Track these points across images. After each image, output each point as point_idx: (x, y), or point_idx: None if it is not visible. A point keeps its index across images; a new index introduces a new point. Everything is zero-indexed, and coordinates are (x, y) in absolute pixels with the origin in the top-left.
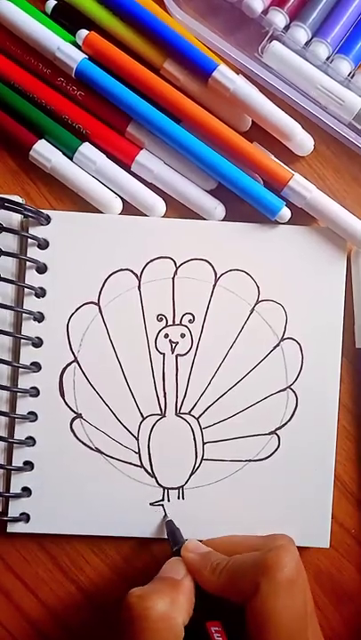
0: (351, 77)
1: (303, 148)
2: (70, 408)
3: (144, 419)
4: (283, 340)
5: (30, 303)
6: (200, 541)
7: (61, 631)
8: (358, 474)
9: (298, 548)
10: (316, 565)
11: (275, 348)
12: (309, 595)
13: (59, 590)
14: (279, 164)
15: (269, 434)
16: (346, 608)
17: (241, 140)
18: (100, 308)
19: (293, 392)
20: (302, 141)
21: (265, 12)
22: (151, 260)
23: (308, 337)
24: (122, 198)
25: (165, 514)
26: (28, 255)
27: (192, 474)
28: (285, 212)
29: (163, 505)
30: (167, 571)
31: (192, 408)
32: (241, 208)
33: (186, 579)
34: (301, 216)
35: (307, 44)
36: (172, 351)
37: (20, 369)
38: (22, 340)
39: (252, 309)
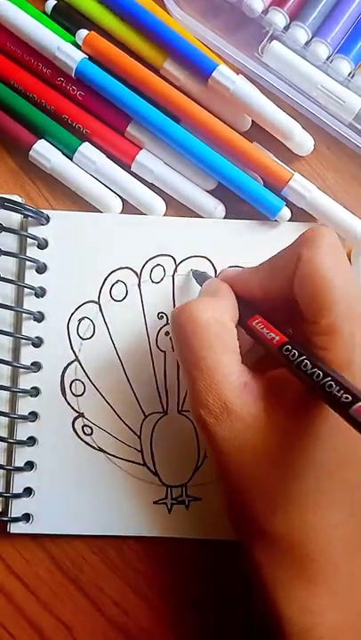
0: (351, 77)
1: (303, 147)
2: (72, 407)
3: (146, 417)
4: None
5: (30, 303)
6: None
7: (61, 631)
8: None
9: None
10: None
11: None
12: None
13: (59, 590)
14: (279, 164)
15: None
16: None
17: (241, 139)
18: (100, 307)
19: None
20: (302, 141)
21: (265, 11)
22: (151, 258)
23: None
24: (122, 198)
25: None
26: (27, 255)
27: (195, 471)
28: (285, 212)
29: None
30: (204, 291)
31: None
32: (241, 208)
33: (223, 286)
34: (301, 215)
35: (307, 43)
36: (173, 349)
37: (21, 369)
38: (22, 340)
39: None
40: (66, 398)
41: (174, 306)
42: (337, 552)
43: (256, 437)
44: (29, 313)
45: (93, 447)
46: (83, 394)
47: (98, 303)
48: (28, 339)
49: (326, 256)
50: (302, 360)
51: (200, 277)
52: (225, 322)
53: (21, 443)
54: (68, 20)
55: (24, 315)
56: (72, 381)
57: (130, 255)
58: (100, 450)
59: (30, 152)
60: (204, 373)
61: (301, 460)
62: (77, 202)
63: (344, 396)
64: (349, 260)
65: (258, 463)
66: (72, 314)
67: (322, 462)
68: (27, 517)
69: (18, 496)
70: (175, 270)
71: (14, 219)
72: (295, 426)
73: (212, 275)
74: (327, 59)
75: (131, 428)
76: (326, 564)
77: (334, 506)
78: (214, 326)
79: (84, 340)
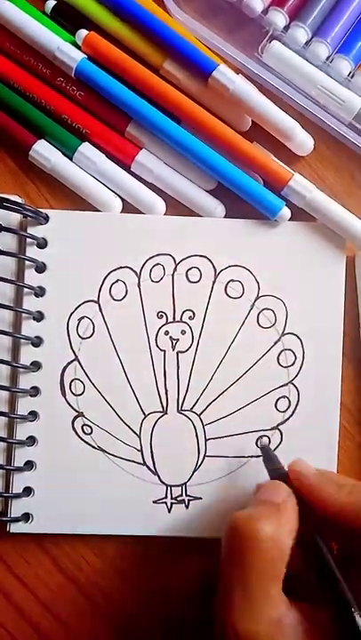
0: (351, 77)
1: (303, 147)
2: (71, 407)
3: (146, 416)
4: (283, 335)
5: (29, 302)
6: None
7: (61, 632)
8: (359, 474)
9: None
10: None
11: (276, 343)
12: None
13: (59, 590)
14: (279, 164)
15: (272, 429)
16: None
17: (241, 140)
18: (99, 306)
19: (295, 387)
20: (302, 141)
21: (265, 11)
22: (150, 257)
23: (308, 331)
24: (122, 198)
25: (262, 443)
26: (26, 254)
27: (195, 471)
28: (285, 212)
29: (266, 439)
30: (267, 493)
31: (194, 405)
32: (241, 208)
33: (289, 500)
34: (301, 215)
35: (307, 43)
36: (173, 348)
37: (20, 369)
38: (22, 340)
39: (253, 305)
40: (65, 398)
41: (174, 305)
42: None
43: None
44: (29, 312)
45: (93, 446)
46: (82, 393)
47: (97, 302)
48: (27, 338)
49: None
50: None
51: (267, 458)
52: (285, 549)
53: (21, 442)
54: (67, 20)
55: (23, 314)
56: (72, 381)
57: (129, 254)
58: (100, 449)
59: (30, 152)
60: (245, 598)
61: None
62: (77, 202)
63: None
64: (349, 257)
65: None
66: (71, 313)
67: None
68: (26, 517)
69: (18, 496)
70: (175, 269)
71: (13, 218)
72: None
73: (279, 461)
74: (327, 59)
75: (130, 428)
76: None
77: None
78: (273, 552)
79: (83, 339)
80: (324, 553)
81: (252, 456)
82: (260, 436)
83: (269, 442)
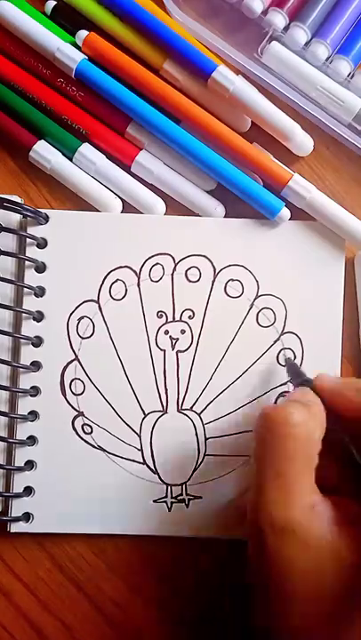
0: (351, 78)
1: (303, 148)
2: (72, 406)
3: (146, 415)
4: (283, 334)
5: (29, 302)
6: None
7: (61, 631)
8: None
9: None
10: None
11: (275, 342)
12: None
13: (59, 590)
14: (279, 165)
15: None
16: None
17: (241, 140)
18: (99, 306)
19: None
20: (302, 142)
21: (264, 12)
22: (150, 257)
23: (308, 331)
24: (122, 199)
25: (286, 357)
26: (26, 255)
27: (195, 470)
28: (285, 213)
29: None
30: (295, 396)
31: (194, 404)
32: (241, 208)
33: (316, 401)
34: (301, 214)
35: (306, 44)
36: (173, 347)
37: (21, 369)
38: (22, 340)
39: (252, 304)
40: (66, 397)
41: (173, 305)
42: None
43: (310, 562)
44: (29, 313)
45: (93, 446)
46: (82, 393)
47: (97, 302)
48: (27, 338)
49: None
50: None
51: (293, 372)
52: (315, 439)
53: (21, 442)
54: (67, 20)
55: (23, 314)
56: (72, 380)
57: (129, 254)
58: (100, 448)
59: (30, 153)
60: (279, 487)
61: (351, 604)
62: (77, 203)
63: None
64: (347, 256)
65: (306, 586)
66: (71, 313)
67: None
68: (27, 517)
69: (18, 495)
70: (174, 269)
71: (13, 219)
72: (354, 564)
73: (306, 373)
74: (327, 59)
75: (130, 427)
76: None
77: None
78: (304, 439)
79: (83, 339)
80: (350, 447)
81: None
82: (282, 349)
83: (295, 356)
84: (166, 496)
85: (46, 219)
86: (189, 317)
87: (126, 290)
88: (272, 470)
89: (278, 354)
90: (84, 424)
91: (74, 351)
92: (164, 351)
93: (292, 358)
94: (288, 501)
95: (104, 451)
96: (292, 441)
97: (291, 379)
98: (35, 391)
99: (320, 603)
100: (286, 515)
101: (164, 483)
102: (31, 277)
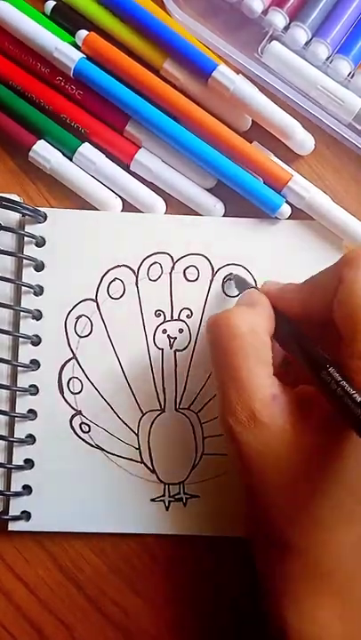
0: (351, 77)
1: (304, 146)
2: (70, 405)
3: (144, 414)
4: None
5: (28, 301)
6: None
7: (61, 631)
8: None
9: None
10: None
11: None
12: None
13: (59, 590)
14: (278, 165)
15: None
16: None
17: (240, 141)
18: (97, 305)
19: None
20: (303, 140)
21: (265, 12)
22: (148, 256)
23: None
24: (122, 198)
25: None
26: (25, 253)
27: (193, 469)
28: (285, 209)
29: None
30: (241, 300)
31: (191, 403)
32: (240, 206)
33: (261, 299)
34: (301, 214)
35: (306, 44)
36: (171, 346)
37: (19, 367)
38: (20, 339)
39: None
40: (63, 396)
41: (171, 304)
42: (352, 567)
43: (281, 449)
44: (27, 311)
45: (91, 445)
46: (80, 391)
47: (95, 301)
48: (26, 337)
49: None
50: (335, 384)
51: (240, 284)
52: (261, 333)
53: (20, 441)
54: (67, 20)
55: (22, 313)
56: (70, 379)
57: (127, 253)
58: (98, 447)
59: (30, 153)
60: (236, 382)
61: (325, 478)
62: (77, 202)
63: None
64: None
65: (281, 474)
66: (70, 311)
67: (345, 482)
68: (26, 515)
69: (17, 494)
70: (172, 268)
71: (12, 217)
72: (322, 443)
73: (252, 282)
74: (327, 59)
75: (128, 426)
76: (340, 578)
77: (354, 524)
78: (250, 336)
79: (81, 337)
80: (300, 339)
81: None
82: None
83: None
84: (164, 495)
85: (45, 217)
86: (187, 316)
87: (124, 289)
88: (227, 371)
89: (225, 279)
90: (82, 423)
91: (72, 350)
92: (162, 350)
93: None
94: (248, 395)
95: (102, 449)
96: (239, 339)
97: (239, 290)
98: (34, 389)
99: (285, 482)
100: (248, 407)
101: (162, 481)
102: (30, 276)
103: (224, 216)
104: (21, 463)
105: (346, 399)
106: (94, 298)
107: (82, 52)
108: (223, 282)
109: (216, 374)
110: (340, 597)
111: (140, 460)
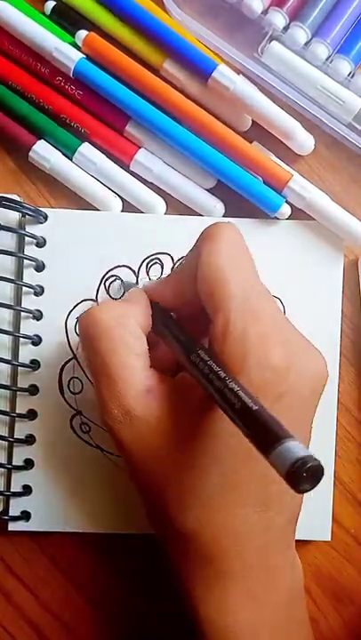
0: (351, 77)
1: (304, 146)
2: (70, 405)
3: None
4: None
5: (29, 301)
6: None
7: (61, 632)
8: (358, 475)
9: (299, 541)
10: (316, 565)
11: None
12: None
13: (59, 590)
14: (278, 165)
15: None
16: (346, 609)
17: (240, 141)
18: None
19: None
20: (303, 140)
21: (264, 12)
22: (148, 256)
23: (306, 330)
24: (122, 198)
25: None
26: (25, 253)
27: None
28: (285, 209)
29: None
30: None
31: None
32: (240, 206)
33: (136, 293)
34: (300, 215)
35: (306, 44)
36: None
37: (19, 367)
38: (21, 339)
39: None
40: (64, 396)
41: None
42: (251, 549)
43: (161, 439)
44: (28, 311)
45: (91, 445)
46: (80, 391)
47: (96, 301)
48: (26, 337)
49: (223, 251)
50: (202, 365)
51: (127, 288)
52: (129, 324)
53: (20, 441)
54: (67, 20)
55: (23, 313)
56: (70, 379)
57: (128, 253)
58: (98, 447)
59: (30, 153)
60: (108, 380)
61: (204, 459)
62: (78, 202)
63: (235, 402)
64: (347, 256)
65: (163, 465)
66: (70, 312)
67: (224, 459)
68: (25, 515)
69: (17, 494)
70: (172, 268)
71: (12, 217)
72: (197, 426)
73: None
74: (327, 59)
75: None
76: (241, 561)
77: (243, 501)
78: (117, 329)
79: None
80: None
81: None
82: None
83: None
84: None
85: (45, 217)
86: None
87: (125, 289)
88: (97, 369)
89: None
90: (82, 423)
91: (72, 350)
92: None
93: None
94: (120, 392)
95: (102, 449)
96: (105, 334)
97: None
98: (34, 390)
99: (168, 471)
100: (122, 404)
101: None
102: (30, 276)
103: (224, 216)
104: (21, 463)
105: (212, 376)
106: (95, 298)
107: (82, 52)
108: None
109: (89, 372)
110: (242, 582)
111: None
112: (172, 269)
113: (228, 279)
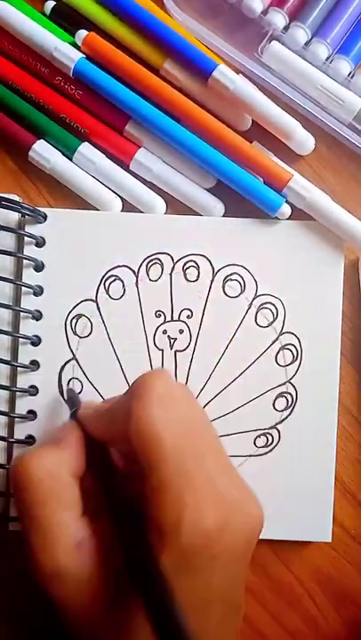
0: (351, 77)
1: (304, 146)
2: (70, 406)
3: None
4: (281, 333)
5: (28, 301)
6: None
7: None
8: (358, 475)
9: (300, 543)
10: (317, 566)
11: (273, 342)
12: (197, 409)
13: None
14: (278, 165)
15: (270, 428)
16: (346, 610)
17: (241, 141)
18: (97, 305)
19: (293, 386)
20: (303, 140)
21: (264, 12)
22: (148, 256)
23: (306, 330)
24: (122, 198)
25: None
26: (25, 253)
27: None
28: (286, 209)
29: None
30: (56, 433)
31: None
32: (240, 206)
33: (71, 434)
34: (300, 215)
35: (306, 44)
36: (171, 347)
37: (19, 368)
38: (20, 339)
39: (251, 303)
40: (63, 397)
41: (172, 304)
42: None
43: (92, 598)
44: (27, 311)
45: None
46: (80, 392)
47: (95, 301)
48: (26, 337)
49: (154, 409)
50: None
51: (70, 401)
52: (60, 476)
53: (20, 441)
54: (67, 20)
55: (22, 313)
56: (70, 380)
57: (127, 253)
58: None
59: (30, 153)
60: (37, 534)
61: (135, 622)
62: (77, 202)
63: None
64: (347, 256)
65: (95, 628)
66: (70, 312)
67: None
68: None
69: None
70: (173, 268)
71: (12, 217)
72: (128, 583)
73: (80, 399)
74: (327, 59)
75: None
76: None
77: None
78: (48, 482)
79: (81, 338)
80: (106, 476)
81: (250, 455)
82: (71, 381)
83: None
84: None
85: (45, 217)
86: (188, 317)
87: (124, 289)
88: (27, 522)
89: (67, 384)
90: None
91: (72, 350)
92: (162, 351)
93: (76, 390)
94: (50, 547)
95: None
96: (34, 489)
97: (69, 408)
98: (34, 390)
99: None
100: (51, 562)
101: None
102: (30, 276)
103: (224, 216)
104: None
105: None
106: (94, 298)
107: (82, 51)
108: (224, 282)
109: (20, 522)
110: None
111: None
112: (172, 269)
113: (161, 438)
